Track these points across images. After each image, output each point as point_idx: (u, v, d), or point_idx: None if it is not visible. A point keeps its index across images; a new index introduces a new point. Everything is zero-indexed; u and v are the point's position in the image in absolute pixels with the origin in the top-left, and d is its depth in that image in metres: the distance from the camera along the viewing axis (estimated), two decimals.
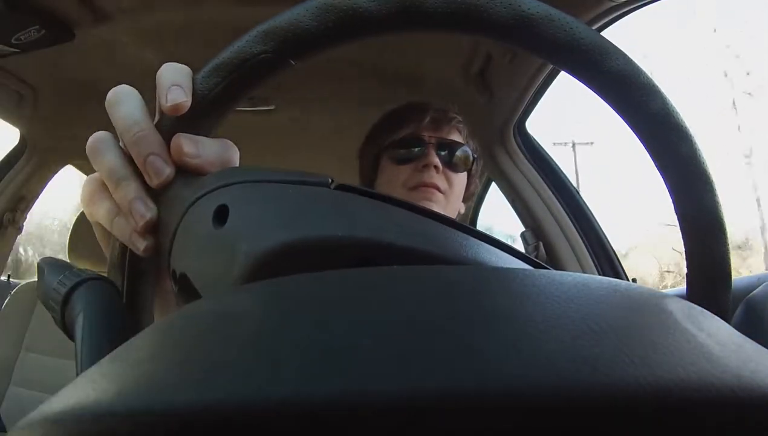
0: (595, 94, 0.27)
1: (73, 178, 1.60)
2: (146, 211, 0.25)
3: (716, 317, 0.18)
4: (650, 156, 0.27)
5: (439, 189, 0.76)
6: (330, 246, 0.22)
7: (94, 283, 0.25)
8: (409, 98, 0.86)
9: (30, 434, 0.13)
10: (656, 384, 0.12)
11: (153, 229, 0.26)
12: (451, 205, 0.79)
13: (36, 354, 1.23)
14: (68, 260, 0.30)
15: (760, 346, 0.16)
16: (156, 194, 0.26)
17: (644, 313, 0.16)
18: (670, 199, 0.27)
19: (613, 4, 0.79)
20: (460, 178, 0.80)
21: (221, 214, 0.23)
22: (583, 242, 1.15)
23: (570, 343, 0.13)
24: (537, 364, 0.13)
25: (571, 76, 0.28)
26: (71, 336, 0.24)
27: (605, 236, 1.17)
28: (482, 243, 0.25)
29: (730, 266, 0.27)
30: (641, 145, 0.27)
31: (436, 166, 0.75)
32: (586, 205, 1.19)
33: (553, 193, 1.19)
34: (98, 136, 0.27)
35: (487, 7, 0.25)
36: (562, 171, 1.22)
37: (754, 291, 0.28)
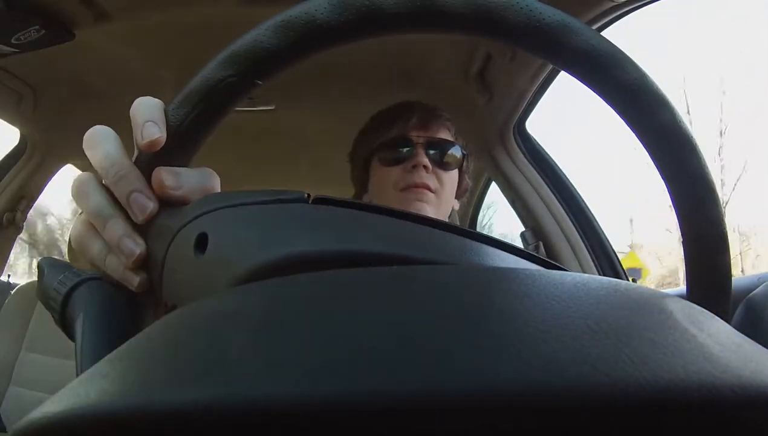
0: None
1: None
2: (135, 247, 0.26)
3: (716, 317, 0.18)
4: (637, 137, 0.27)
5: (430, 189, 0.75)
6: (307, 262, 0.22)
7: (94, 283, 0.25)
8: (409, 98, 0.85)
9: (30, 434, 0.13)
10: (656, 384, 0.12)
11: (144, 264, 0.26)
12: (444, 204, 0.78)
13: (36, 354, 1.23)
14: (68, 260, 0.30)
15: (760, 346, 0.16)
16: (143, 229, 0.26)
17: (644, 313, 0.16)
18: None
19: (613, 4, 0.79)
20: (451, 176, 0.79)
21: (202, 242, 0.24)
22: (583, 242, 1.15)
23: (570, 343, 0.13)
24: (537, 364, 0.13)
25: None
26: (71, 336, 0.24)
27: (605, 236, 1.17)
28: (473, 242, 0.25)
29: (725, 229, 0.27)
30: (624, 122, 0.27)
31: (425, 166, 0.75)
32: (586, 205, 1.19)
33: (553, 193, 1.19)
34: (80, 179, 0.28)
35: (445, 2, 0.25)
36: (562, 171, 1.22)
37: (754, 291, 0.28)
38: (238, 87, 0.26)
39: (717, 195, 0.27)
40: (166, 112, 0.27)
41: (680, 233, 0.29)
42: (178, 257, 0.25)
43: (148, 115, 0.26)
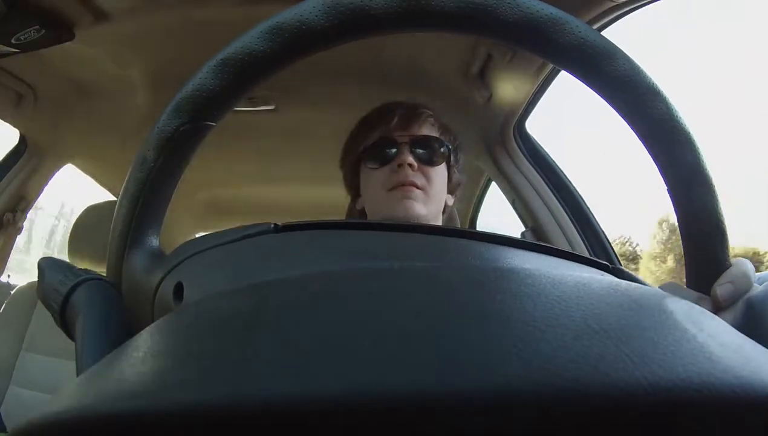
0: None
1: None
2: None
3: (716, 317, 0.18)
4: (625, 120, 0.28)
5: (417, 186, 0.75)
6: None
7: (94, 283, 0.25)
8: (409, 99, 0.85)
9: (30, 434, 0.13)
10: (657, 384, 0.12)
11: None
12: (434, 200, 0.78)
13: (36, 354, 1.23)
14: (68, 260, 0.31)
15: (760, 346, 0.16)
16: (130, 291, 0.28)
17: (645, 313, 0.16)
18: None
19: (613, 4, 0.79)
20: (439, 172, 0.79)
21: (178, 291, 0.25)
22: (583, 242, 1.15)
23: (571, 343, 0.13)
24: (538, 364, 0.13)
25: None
26: (71, 336, 0.24)
27: (605, 236, 1.17)
28: (438, 238, 0.25)
29: (722, 217, 0.27)
30: (614, 110, 0.27)
31: (410, 164, 0.75)
32: (586, 205, 1.19)
33: (553, 193, 1.19)
34: None
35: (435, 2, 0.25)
36: (562, 171, 1.22)
37: (755, 291, 0.28)
38: (193, 132, 0.27)
39: (712, 182, 0.27)
40: (133, 167, 0.28)
41: (678, 223, 0.29)
42: (162, 309, 0.26)
43: None
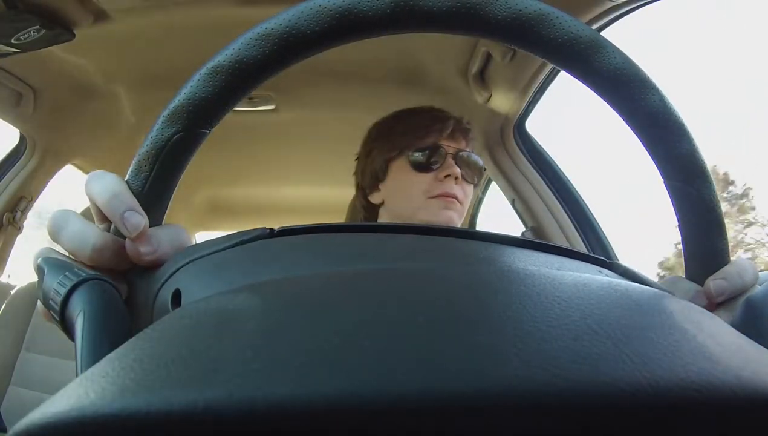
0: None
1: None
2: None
3: (716, 318, 0.18)
4: (618, 114, 0.28)
5: (458, 199, 0.78)
6: None
7: (94, 283, 0.25)
8: (409, 98, 0.86)
9: (30, 434, 0.13)
10: (657, 384, 0.12)
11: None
12: (464, 215, 0.81)
13: (36, 354, 1.23)
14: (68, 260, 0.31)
15: (760, 346, 0.16)
16: (130, 303, 0.28)
17: (644, 313, 0.16)
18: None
19: (613, 4, 0.79)
20: (472, 189, 0.82)
21: (176, 298, 0.25)
22: (583, 242, 1.15)
23: (571, 343, 0.13)
24: (538, 364, 0.13)
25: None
26: (71, 336, 0.24)
27: (605, 237, 1.17)
28: (436, 239, 0.26)
29: (720, 210, 0.28)
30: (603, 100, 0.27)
31: (456, 177, 0.77)
32: (586, 205, 1.19)
33: (553, 193, 1.19)
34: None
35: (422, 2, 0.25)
36: (562, 171, 1.22)
37: (754, 291, 0.28)
38: (188, 140, 0.27)
39: (708, 173, 0.27)
40: (127, 182, 0.28)
41: (675, 214, 0.29)
42: (160, 315, 0.26)
43: (122, 203, 0.27)
